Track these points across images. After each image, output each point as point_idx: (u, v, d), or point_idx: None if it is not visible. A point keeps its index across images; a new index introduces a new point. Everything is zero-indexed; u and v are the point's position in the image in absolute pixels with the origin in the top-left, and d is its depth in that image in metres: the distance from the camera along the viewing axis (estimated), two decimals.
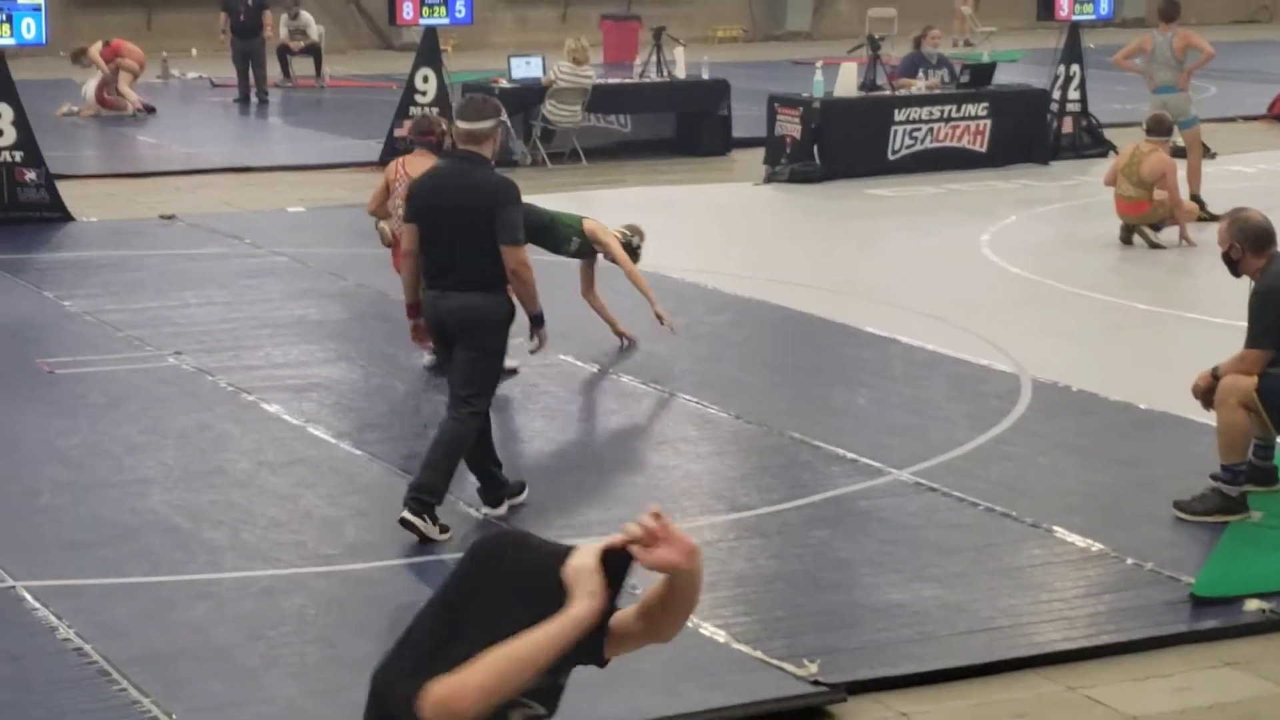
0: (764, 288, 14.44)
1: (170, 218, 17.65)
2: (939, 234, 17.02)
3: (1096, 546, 8.71)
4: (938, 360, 12.29)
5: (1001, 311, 13.72)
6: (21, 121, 17.33)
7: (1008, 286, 14.80)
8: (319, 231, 17.16)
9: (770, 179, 20.16)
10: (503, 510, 9.16)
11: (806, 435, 10.49)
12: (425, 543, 8.65)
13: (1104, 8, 22.27)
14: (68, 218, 17.48)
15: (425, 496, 8.71)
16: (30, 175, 17.37)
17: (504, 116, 9.46)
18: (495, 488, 9.18)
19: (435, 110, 19.38)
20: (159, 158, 22.04)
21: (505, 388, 11.70)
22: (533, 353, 9.53)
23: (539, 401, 11.41)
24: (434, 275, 8.87)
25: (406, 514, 8.68)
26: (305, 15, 30.63)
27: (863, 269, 15.61)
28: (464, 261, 8.73)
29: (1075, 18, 21.92)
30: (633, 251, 12.60)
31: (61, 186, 17.83)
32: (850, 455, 10.11)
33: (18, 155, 17.29)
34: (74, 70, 32.02)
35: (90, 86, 26.20)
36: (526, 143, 21.40)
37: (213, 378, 11.76)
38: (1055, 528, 8.96)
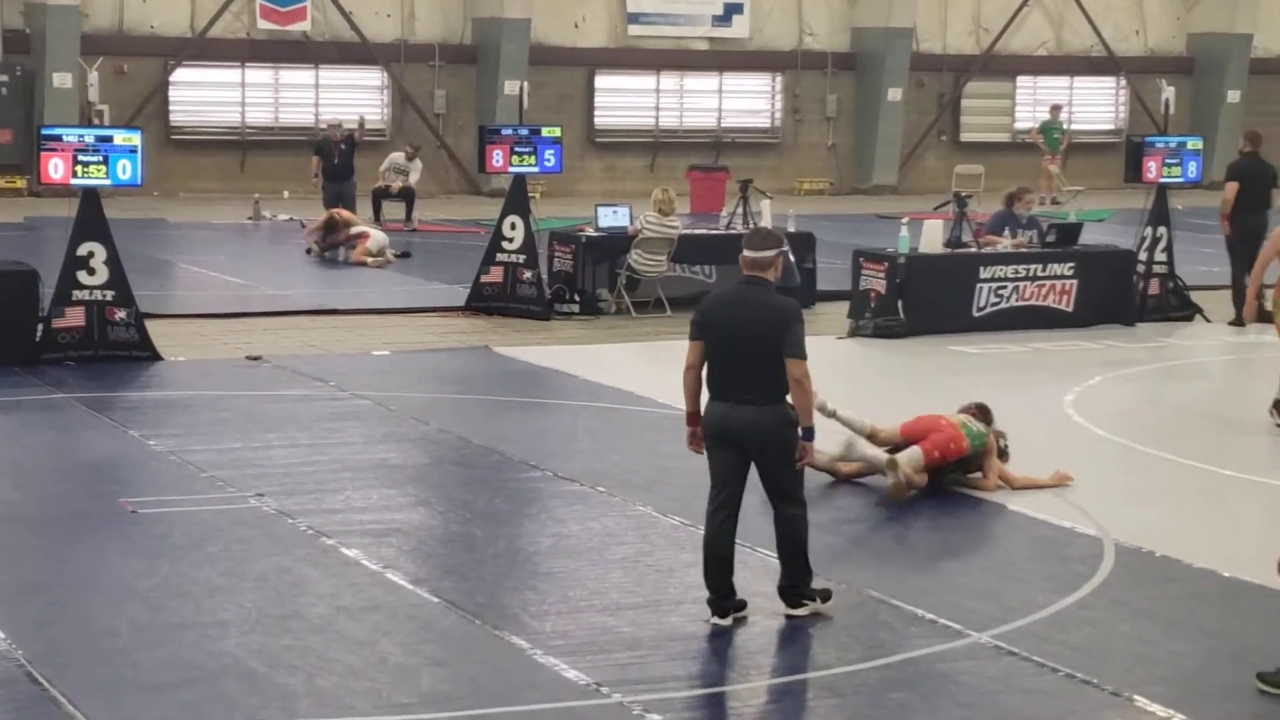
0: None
1: (256, 359, 17.82)
2: (1023, 393, 16.95)
3: (1179, 717, 8.58)
4: (1020, 522, 12.20)
5: (1085, 474, 13.60)
6: (114, 260, 17.55)
7: (1092, 448, 14.70)
8: (403, 375, 17.26)
9: (854, 333, 20.17)
10: (804, 612, 9.95)
11: (886, 594, 10.42)
12: (815, 617, 9.89)
13: (1192, 171, 22.29)
14: (156, 357, 17.65)
15: (790, 586, 9.96)
16: (120, 314, 17.55)
17: (785, 246, 10.28)
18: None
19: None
20: (246, 299, 22.27)
21: (586, 538, 11.68)
22: (796, 461, 9.93)
23: (616, 552, 11.37)
24: (723, 388, 9.80)
25: (788, 610, 9.90)
26: (419, 161, 31.05)
27: None
28: (757, 376, 9.71)
29: (1163, 180, 21.95)
30: (1003, 453, 13.26)
31: (150, 326, 18.02)
32: (929, 616, 10.03)
33: (109, 294, 17.49)
34: (165, 210, 32.54)
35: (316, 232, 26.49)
36: (611, 291, 21.53)
37: (293, 521, 11.80)
38: (1136, 697, 8.83)
